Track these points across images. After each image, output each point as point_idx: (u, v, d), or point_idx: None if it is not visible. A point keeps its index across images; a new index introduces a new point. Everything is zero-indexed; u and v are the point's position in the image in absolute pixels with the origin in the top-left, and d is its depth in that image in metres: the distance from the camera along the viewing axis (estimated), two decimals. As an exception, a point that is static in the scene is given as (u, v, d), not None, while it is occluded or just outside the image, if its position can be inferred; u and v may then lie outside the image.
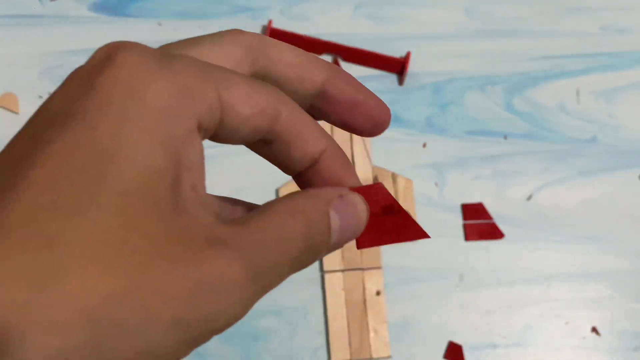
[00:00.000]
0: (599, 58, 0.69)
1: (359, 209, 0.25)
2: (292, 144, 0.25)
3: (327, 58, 0.66)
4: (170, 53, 0.22)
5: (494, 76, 0.67)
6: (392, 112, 0.74)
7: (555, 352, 0.62)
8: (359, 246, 0.26)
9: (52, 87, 0.65)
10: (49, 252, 0.17)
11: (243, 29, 0.25)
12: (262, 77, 0.25)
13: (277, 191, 0.63)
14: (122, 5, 0.67)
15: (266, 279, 0.22)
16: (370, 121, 0.27)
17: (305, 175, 0.26)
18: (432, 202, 0.64)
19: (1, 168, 0.19)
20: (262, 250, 0.21)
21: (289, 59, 0.26)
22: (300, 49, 0.27)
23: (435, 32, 0.68)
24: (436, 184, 0.65)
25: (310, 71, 0.27)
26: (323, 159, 0.26)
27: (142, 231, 0.19)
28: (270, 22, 0.65)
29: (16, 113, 0.64)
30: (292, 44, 0.62)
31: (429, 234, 0.27)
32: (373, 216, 0.26)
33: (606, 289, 0.64)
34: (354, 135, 0.64)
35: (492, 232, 0.64)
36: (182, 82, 0.21)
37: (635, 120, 0.68)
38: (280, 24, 0.66)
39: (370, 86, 0.75)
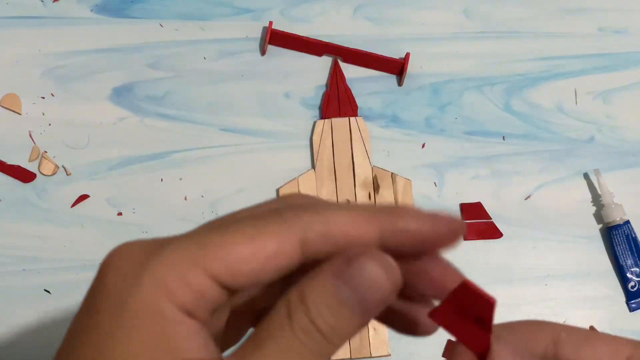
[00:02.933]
0: (597, 59, 0.69)
1: (375, 274, 0.23)
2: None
3: (327, 59, 0.67)
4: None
5: (493, 77, 0.68)
6: (391, 112, 0.74)
7: (553, 350, 0.62)
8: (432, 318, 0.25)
9: (54, 88, 0.65)
10: None
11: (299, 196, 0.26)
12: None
13: (277, 191, 0.64)
14: (124, 6, 0.67)
15: None
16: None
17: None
18: (431, 202, 0.65)
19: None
20: None
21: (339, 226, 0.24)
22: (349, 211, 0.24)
23: (434, 34, 0.69)
24: (435, 184, 0.65)
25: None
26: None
27: None
28: (270, 23, 0.65)
29: (18, 114, 0.65)
30: (292, 45, 0.62)
31: None
32: (462, 317, 0.25)
33: (604, 287, 0.64)
34: (354, 135, 0.65)
35: (490, 231, 0.64)
36: (162, 278, 0.21)
37: (633, 120, 0.68)
38: (281, 26, 0.66)
39: (370, 87, 0.75)
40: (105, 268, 0.22)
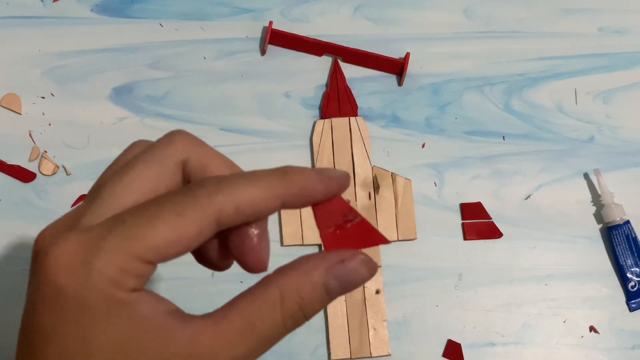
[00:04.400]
0: (596, 59, 0.69)
1: (361, 272, 0.28)
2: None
3: (327, 59, 0.67)
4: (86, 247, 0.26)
5: (493, 77, 0.68)
6: (392, 112, 0.74)
7: (554, 350, 0.62)
8: (326, 249, 0.28)
9: (54, 88, 0.65)
10: None
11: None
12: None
13: (277, 191, 0.64)
14: (124, 6, 0.67)
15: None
16: None
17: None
18: (431, 202, 0.65)
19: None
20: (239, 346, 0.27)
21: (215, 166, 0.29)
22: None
23: (434, 34, 0.69)
24: (435, 184, 0.65)
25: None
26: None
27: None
28: (270, 23, 0.65)
29: (18, 113, 0.65)
30: (292, 45, 0.63)
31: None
32: (338, 227, 0.28)
33: (604, 287, 0.64)
34: (354, 135, 0.65)
35: (490, 231, 0.64)
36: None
37: (632, 120, 0.68)
38: (281, 25, 0.66)
39: (370, 87, 0.76)
40: (47, 262, 0.26)
